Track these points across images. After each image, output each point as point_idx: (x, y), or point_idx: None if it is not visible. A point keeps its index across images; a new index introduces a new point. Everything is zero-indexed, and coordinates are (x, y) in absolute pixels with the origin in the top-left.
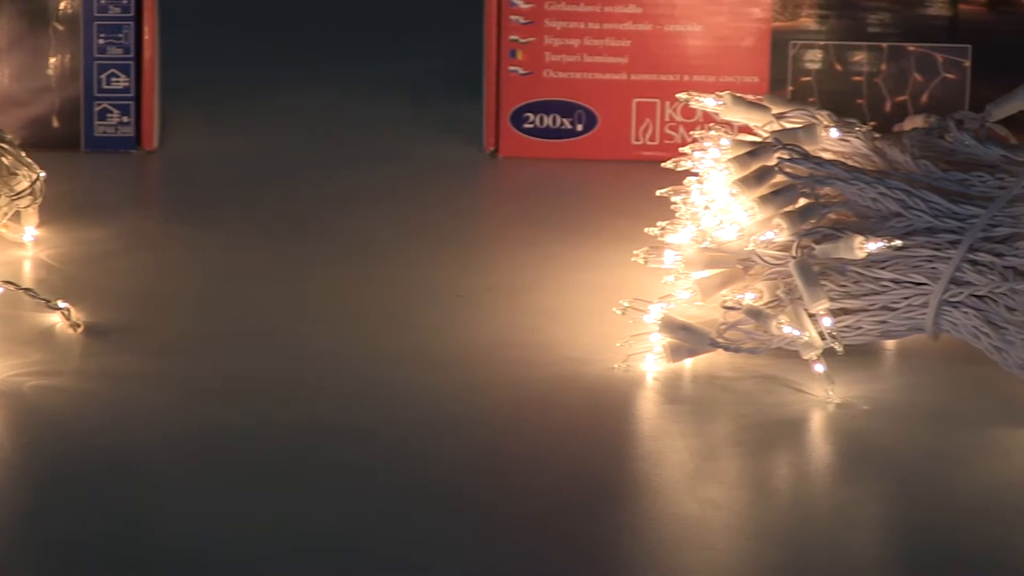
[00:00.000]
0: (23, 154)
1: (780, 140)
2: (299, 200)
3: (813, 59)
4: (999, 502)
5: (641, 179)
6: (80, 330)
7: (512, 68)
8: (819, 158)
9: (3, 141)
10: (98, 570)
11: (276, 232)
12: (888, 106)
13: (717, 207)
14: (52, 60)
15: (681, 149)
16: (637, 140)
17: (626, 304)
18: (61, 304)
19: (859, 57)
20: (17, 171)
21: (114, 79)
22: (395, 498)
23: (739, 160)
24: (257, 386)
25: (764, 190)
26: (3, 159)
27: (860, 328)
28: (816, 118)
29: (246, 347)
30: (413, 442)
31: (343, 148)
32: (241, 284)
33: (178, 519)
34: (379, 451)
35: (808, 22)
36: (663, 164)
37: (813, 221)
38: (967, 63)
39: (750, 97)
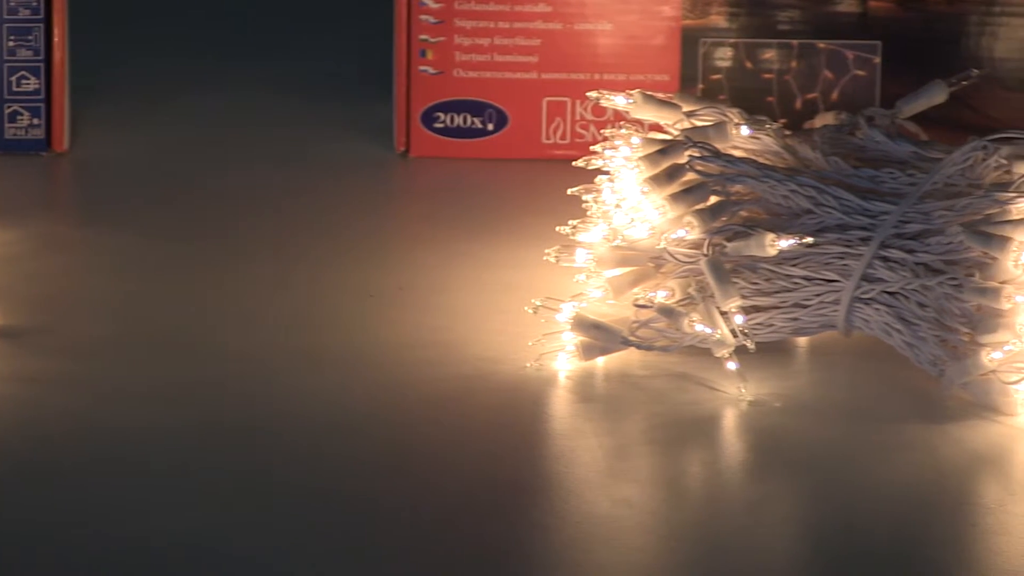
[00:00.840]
0: None
1: (691, 138)
2: (209, 201)
3: (723, 57)
4: (912, 498)
5: (552, 178)
6: None
7: (422, 68)
8: (730, 156)
9: None
10: (3, 570)
11: (186, 233)
12: (798, 103)
13: (628, 205)
14: None
15: (592, 148)
16: (548, 139)
17: (538, 303)
18: None
19: (769, 55)
20: None
21: (24, 81)
22: (302, 499)
23: (650, 158)
24: (167, 387)
25: (675, 188)
26: None
27: (772, 325)
28: (726, 116)
29: (157, 348)
30: (322, 443)
31: (252, 148)
32: (151, 286)
33: (89, 519)
34: (287, 452)
35: (718, 20)
36: (574, 163)
37: (724, 219)
38: (877, 60)
39: (660, 95)
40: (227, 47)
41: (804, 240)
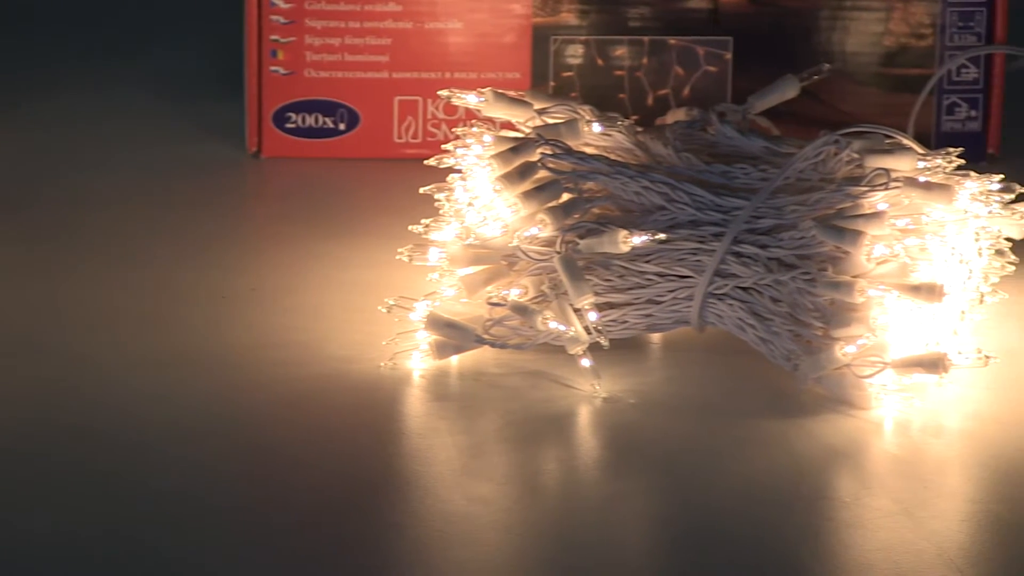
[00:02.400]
0: None
1: (542, 136)
2: (57, 203)
3: (574, 54)
4: (767, 493)
5: (404, 177)
6: None
7: (273, 68)
8: (582, 153)
9: None
10: None
11: (34, 235)
12: (650, 100)
13: (481, 204)
14: None
15: (444, 146)
16: (400, 138)
17: (391, 302)
18: None
19: (620, 52)
20: None
21: None
22: (155, 501)
23: (502, 156)
24: (14, 390)
25: (527, 186)
26: None
27: (626, 322)
28: (578, 113)
29: (3, 351)
30: (175, 445)
31: (103, 149)
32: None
33: None
34: (140, 455)
35: (569, 17)
36: (426, 162)
37: (577, 216)
38: (728, 56)
39: (512, 93)
40: (74, 48)
41: (657, 236)
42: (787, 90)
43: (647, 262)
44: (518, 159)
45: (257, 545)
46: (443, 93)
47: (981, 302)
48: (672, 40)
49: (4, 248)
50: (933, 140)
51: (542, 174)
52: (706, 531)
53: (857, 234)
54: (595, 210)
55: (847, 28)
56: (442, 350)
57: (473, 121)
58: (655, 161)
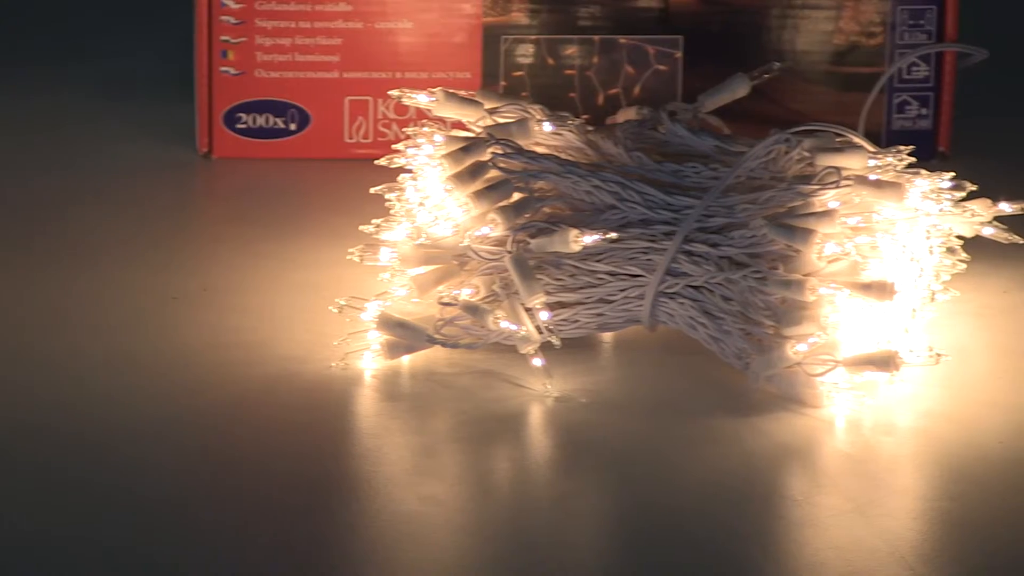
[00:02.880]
0: None
1: (493, 135)
2: (5, 205)
3: (525, 54)
4: (718, 492)
5: (355, 177)
6: None
7: (224, 69)
8: (533, 152)
9: None
10: None
11: None
12: (601, 99)
13: (432, 203)
14: None
15: (394, 146)
16: (351, 138)
17: (342, 302)
18: None
19: (571, 51)
20: None
21: None
22: (105, 502)
23: (453, 156)
24: None
25: (478, 185)
26: None
27: (577, 321)
28: (529, 112)
29: None
30: (125, 445)
31: (53, 151)
32: None
33: None
34: (89, 454)
35: (519, 17)
36: (377, 161)
37: (528, 215)
38: (678, 55)
39: (462, 93)
40: (30, 50)
41: (608, 236)
42: (738, 89)
43: (598, 261)
44: (469, 159)
45: (208, 544)
46: (394, 93)
47: (932, 300)
48: (622, 39)
49: None
50: (884, 138)
51: (493, 173)
52: (658, 530)
53: (808, 232)
54: (546, 209)
55: (797, 27)
56: (393, 350)
57: (424, 121)
58: (606, 160)
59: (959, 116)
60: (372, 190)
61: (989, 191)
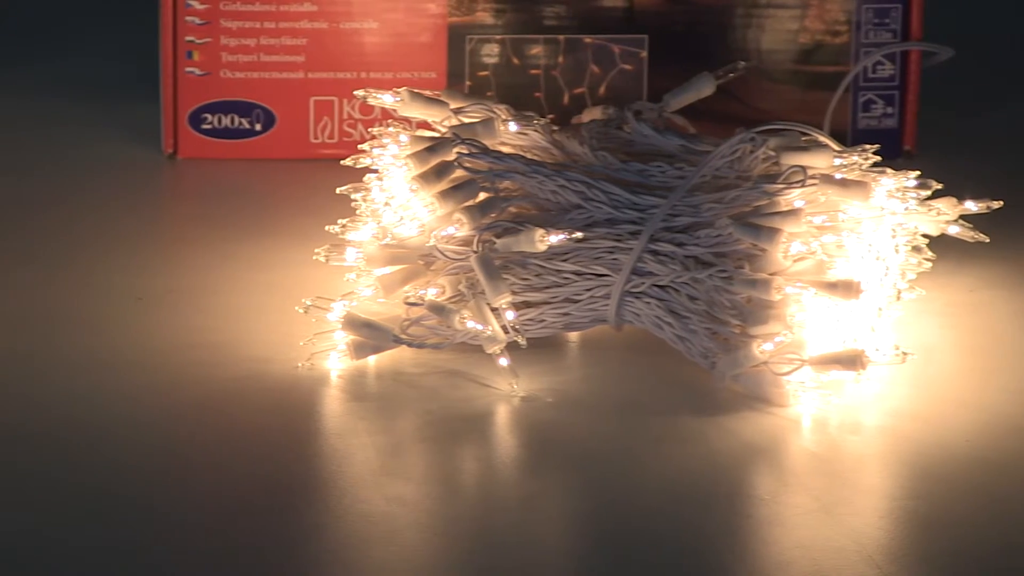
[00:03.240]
0: None
1: (458, 135)
2: None
3: (490, 53)
4: (685, 491)
5: (321, 177)
6: None
7: (189, 69)
8: (498, 152)
9: None
10: None
11: None
12: (566, 98)
13: (397, 203)
14: None
15: (360, 146)
16: (316, 138)
17: (308, 302)
18: None
19: (536, 50)
20: None
21: None
22: (71, 501)
23: (418, 156)
24: None
25: (444, 185)
26: None
27: (543, 321)
28: (494, 112)
29: None
30: (92, 446)
31: (17, 151)
32: None
33: None
34: (56, 454)
35: (484, 17)
36: (342, 162)
37: (493, 215)
38: (644, 54)
39: (428, 93)
40: None
41: (574, 235)
42: (703, 88)
43: (564, 261)
44: (434, 158)
45: (175, 545)
46: (359, 93)
47: (898, 299)
48: (588, 39)
49: None
50: (849, 137)
51: (458, 173)
52: (625, 529)
53: (774, 231)
54: (512, 209)
55: (763, 26)
56: (360, 350)
57: (389, 121)
58: (571, 160)
59: (924, 115)
60: (338, 190)
61: (954, 190)
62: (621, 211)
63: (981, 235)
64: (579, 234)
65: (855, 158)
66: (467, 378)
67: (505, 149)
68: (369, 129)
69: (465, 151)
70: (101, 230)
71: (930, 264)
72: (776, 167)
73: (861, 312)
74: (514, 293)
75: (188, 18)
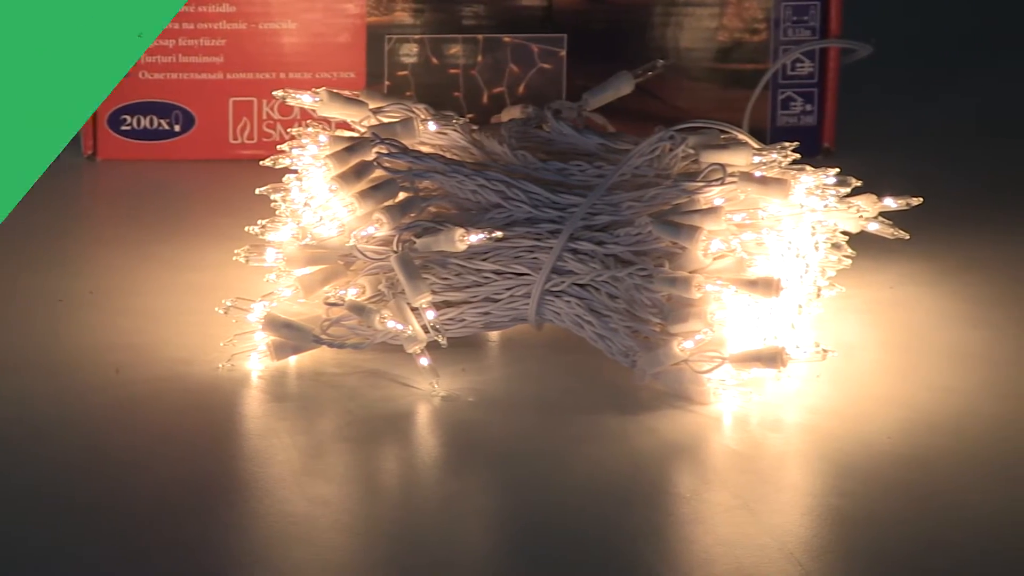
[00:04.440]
0: None
1: (378, 135)
2: None
3: (409, 53)
4: (606, 489)
5: (240, 178)
6: None
7: None
8: (418, 152)
9: None
10: None
11: None
12: (485, 98)
13: (317, 204)
14: None
15: (279, 147)
16: (235, 139)
17: (228, 303)
18: None
19: (455, 50)
20: None
21: None
22: None
23: (337, 156)
24: None
25: (363, 185)
26: None
27: (463, 320)
28: (413, 112)
29: None
30: (12, 447)
31: None
32: None
33: None
34: None
35: (403, 16)
36: (262, 162)
37: (413, 215)
38: (563, 53)
39: (347, 93)
40: None
41: (493, 234)
42: (622, 86)
43: (484, 260)
44: (354, 158)
45: (97, 545)
46: (278, 94)
47: (818, 296)
48: (506, 38)
49: None
50: (768, 135)
51: (378, 173)
52: (546, 528)
53: (693, 229)
54: (431, 209)
55: (681, 24)
56: (280, 351)
57: (308, 121)
58: (491, 159)
59: (843, 112)
60: (257, 191)
61: (874, 187)
62: (541, 210)
63: (901, 232)
64: (499, 233)
65: (774, 156)
66: (388, 378)
67: (425, 149)
68: (288, 129)
69: (384, 151)
70: (20, 232)
71: (850, 261)
72: (695, 165)
73: (781, 309)
74: (434, 293)
75: None
